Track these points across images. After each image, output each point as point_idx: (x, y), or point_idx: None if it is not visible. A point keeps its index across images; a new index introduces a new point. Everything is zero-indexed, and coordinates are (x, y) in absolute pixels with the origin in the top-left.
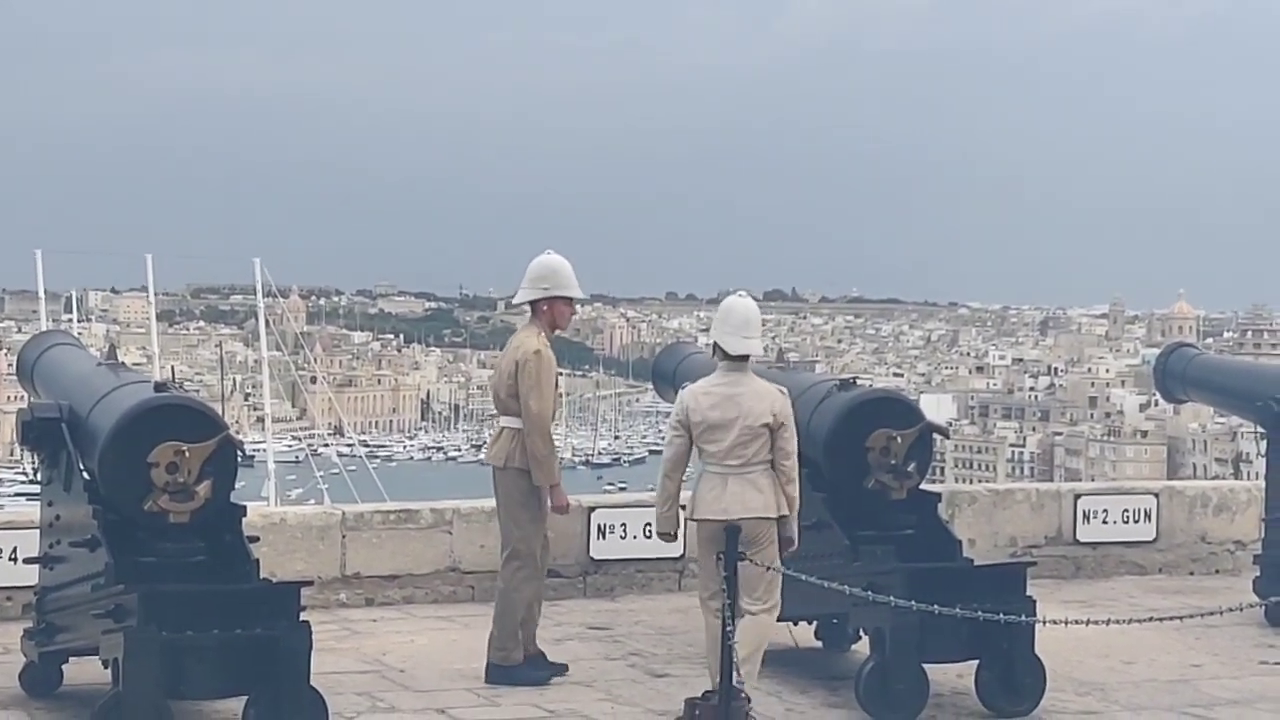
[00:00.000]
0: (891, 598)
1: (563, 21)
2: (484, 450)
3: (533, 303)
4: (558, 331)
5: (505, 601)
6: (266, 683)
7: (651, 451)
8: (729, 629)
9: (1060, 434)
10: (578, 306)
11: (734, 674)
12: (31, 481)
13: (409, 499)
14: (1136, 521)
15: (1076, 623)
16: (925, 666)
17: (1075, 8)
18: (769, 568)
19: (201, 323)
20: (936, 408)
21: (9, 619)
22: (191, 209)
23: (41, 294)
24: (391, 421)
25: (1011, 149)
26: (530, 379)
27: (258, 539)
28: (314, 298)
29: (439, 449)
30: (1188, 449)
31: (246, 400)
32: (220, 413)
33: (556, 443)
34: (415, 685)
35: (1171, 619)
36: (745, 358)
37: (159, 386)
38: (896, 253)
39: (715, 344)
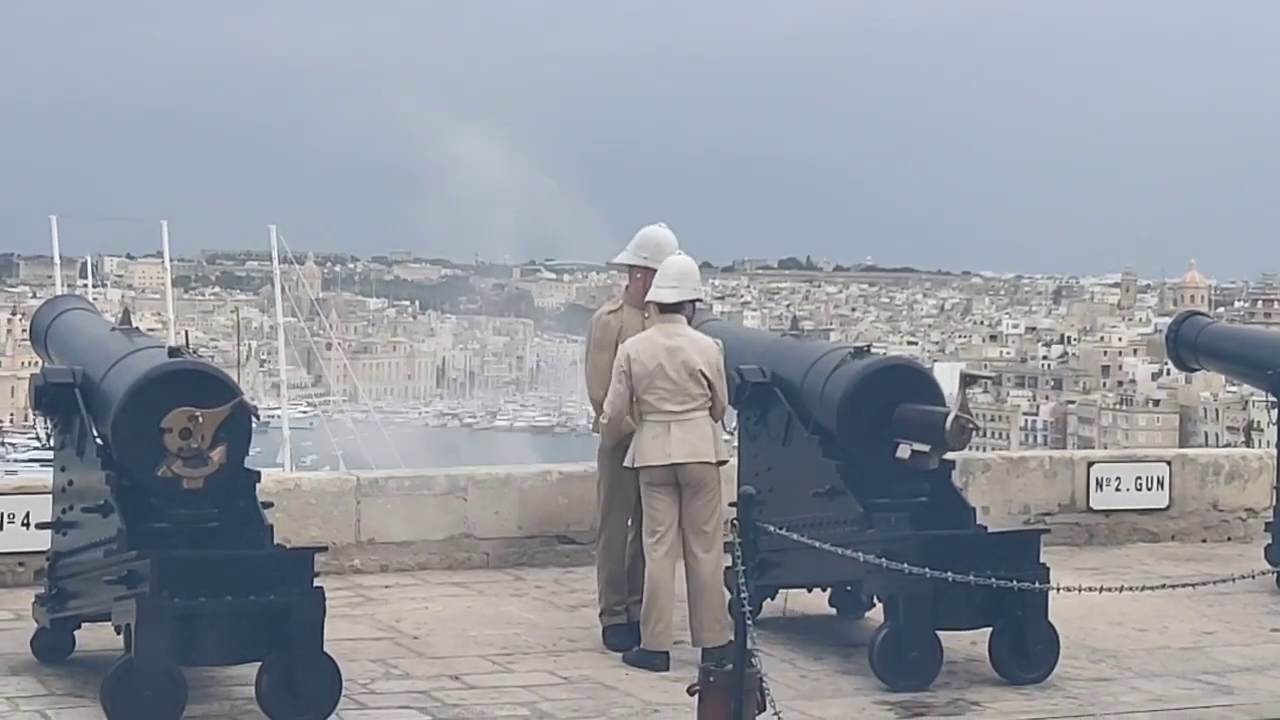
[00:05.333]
0: (905, 565)
1: None
2: None
3: (629, 268)
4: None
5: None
6: (280, 649)
7: None
8: (744, 595)
9: (1073, 402)
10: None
11: (747, 639)
12: (44, 447)
13: (424, 465)
14: (1149, 489)
15: (1089, 590)
16: (939, 633)
17: None
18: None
19: (217, 289)
20: (950, 375)
21: (21, 584)
22: (208, 175)
23: (57, 259)
24: (406, 388)
25: (1025, 118)
26: (589, 342)
27: (272, 505)
28: (329, 264)
29: (454, 415)
30: (1200, 417)
31: (262, 366)
32: (235, 378)
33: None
34: (429, 652)
35: (1184, 586)
36: (676, 309)
37: (173, 352)
38: (910, 222)
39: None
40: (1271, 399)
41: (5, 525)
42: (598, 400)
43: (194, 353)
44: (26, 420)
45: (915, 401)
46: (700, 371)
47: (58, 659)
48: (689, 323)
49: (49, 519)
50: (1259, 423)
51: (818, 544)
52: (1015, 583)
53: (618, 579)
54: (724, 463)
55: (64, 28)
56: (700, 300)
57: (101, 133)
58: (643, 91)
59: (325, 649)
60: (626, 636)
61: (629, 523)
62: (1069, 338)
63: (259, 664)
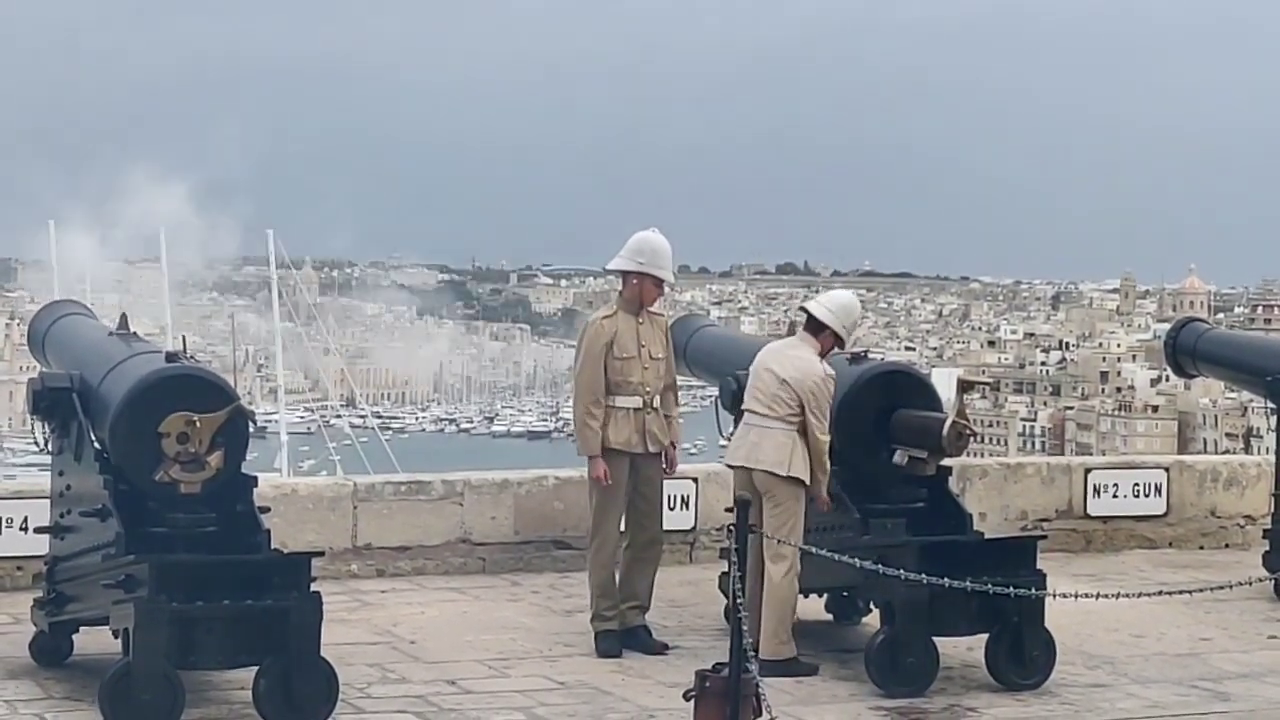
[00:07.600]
0: (902, 571)
1: None
2: None
3: (624, 274)
4: (647, 308)
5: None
6: (277, 653)
7: None
8: (739, 600)
9: (1071, 408)
10: (666, 289)
11: (743, 644)
12: (42, 451)
13: (421, 470)
14: (1147, 496)
15: (1086, 596)
16: (935, 639)
17: None
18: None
19: (214, 294)
20: (948, 381)
21: (20, 589)
22: (207, 180)
23: (54, 264)
24: (404, 393)
25: (1022, 124)
26: (579, 350)
27: (269, 509)
28: (327, 269)
29: (451, 421)
30: (1198, 424)
31: (259, 371)
32: (233, 383)
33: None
34: (426, 656)
35: (1181, 593)
36: (816, 331)
37: (170, 356)
38: (908, 227)
39: None
40: (1270, 405)
41: (3, 529)
42: (580, 416)
43: (191, 358)
44: (24, 425)
45: (912, 407)
46: (787, 384)
47: (56, 663)
48: (823, 356)
49: (47, 523)
50: (1258, 429)
51: (814, 550)
52: (1012, 589)
53: (608, 585)
54: (796, 479)
55: (60, 29)
56: (842, 346)
57: (99, 135)
58: (638, 92)
59: (322, 653)
60: (617, 643)
61: (621, 529)
62: (1067, 343)
63: (256, 668)
